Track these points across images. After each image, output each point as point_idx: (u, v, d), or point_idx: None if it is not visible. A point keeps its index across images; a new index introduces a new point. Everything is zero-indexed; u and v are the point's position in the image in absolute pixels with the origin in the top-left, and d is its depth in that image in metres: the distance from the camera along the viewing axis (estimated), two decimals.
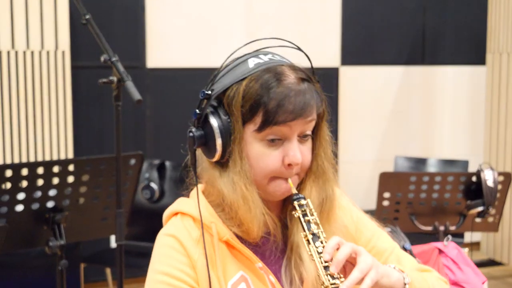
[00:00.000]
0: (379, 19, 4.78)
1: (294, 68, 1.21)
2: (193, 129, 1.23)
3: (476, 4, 4.92)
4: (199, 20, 4.21)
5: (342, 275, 1.14)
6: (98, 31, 2.26)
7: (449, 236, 2.45)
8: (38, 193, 2.35)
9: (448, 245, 2.41)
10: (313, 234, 1.17)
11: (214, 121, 1.20)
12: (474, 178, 3.18)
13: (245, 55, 1.23)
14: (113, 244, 3.64)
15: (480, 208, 3.12)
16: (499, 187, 3.18)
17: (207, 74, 1.30)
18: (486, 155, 4.78)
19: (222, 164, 1.23)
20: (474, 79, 4.96)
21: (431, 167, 4.23)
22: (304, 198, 1.21)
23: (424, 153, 4.79)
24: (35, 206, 2.35)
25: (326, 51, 4.58)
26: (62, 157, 3.65)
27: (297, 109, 1.16)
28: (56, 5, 3.58)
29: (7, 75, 3.53)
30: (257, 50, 1.24)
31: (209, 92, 1.21)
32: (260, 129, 1.18)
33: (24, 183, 2.33)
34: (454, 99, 4.98)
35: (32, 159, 3.58)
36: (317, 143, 1.25)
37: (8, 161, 3.52)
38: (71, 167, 2.41)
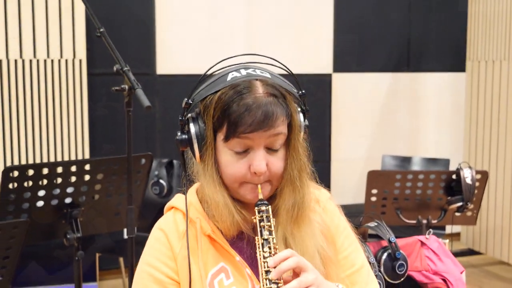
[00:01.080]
0: (368, 30, 4.78)
1: (266, 83, 1.20)
2: (178, 133, 1.25)
3: (456, 17, 4.92)
4: (204, 31, 4.21)
5: (281, 283, 1.12)
6: (111, 42, 2.25)
7: (431, 230, 2.44)
8: (57, 190, 2.36)
9: (430, 238, 2.40)
10: (264, 240, 1.17)
11: (192, 128, 1.23)
12: (454, 176, 3.19)
13: (228, 68, 1.23)
14: (125, 236, 3.64)
15: (459, 203, 3.13)
16: (477, 184, 3.19)
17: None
18: (466, 154, 4.79)
19: (203, 164, 1.25)
20: (455, 85, 4.97)
21: (416, 165, 4.23)
22: (267, 205, 1.20)
23: (409, 152, 4.79)
24: (54, 202, 2.36)
25: (320, 59, 4.58)
26: (79, 157, 3.66)
27: (257, 122, 1.15)
28: (73, 17, 3.58)
29: (29, 82, 3.53)
30: (239, 64, 1.24)
31: (190, 101, 1.23)
32: (226, 139, 1.19)
33: (44, 181, 2.35)
34: (437, 103, 4.98)
35: (52, 160, 3.58)
36: (288, 153, 1.23)
37: (30, 162, 3.52)
38: (87, 167, 2.43)
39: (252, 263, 1.26)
